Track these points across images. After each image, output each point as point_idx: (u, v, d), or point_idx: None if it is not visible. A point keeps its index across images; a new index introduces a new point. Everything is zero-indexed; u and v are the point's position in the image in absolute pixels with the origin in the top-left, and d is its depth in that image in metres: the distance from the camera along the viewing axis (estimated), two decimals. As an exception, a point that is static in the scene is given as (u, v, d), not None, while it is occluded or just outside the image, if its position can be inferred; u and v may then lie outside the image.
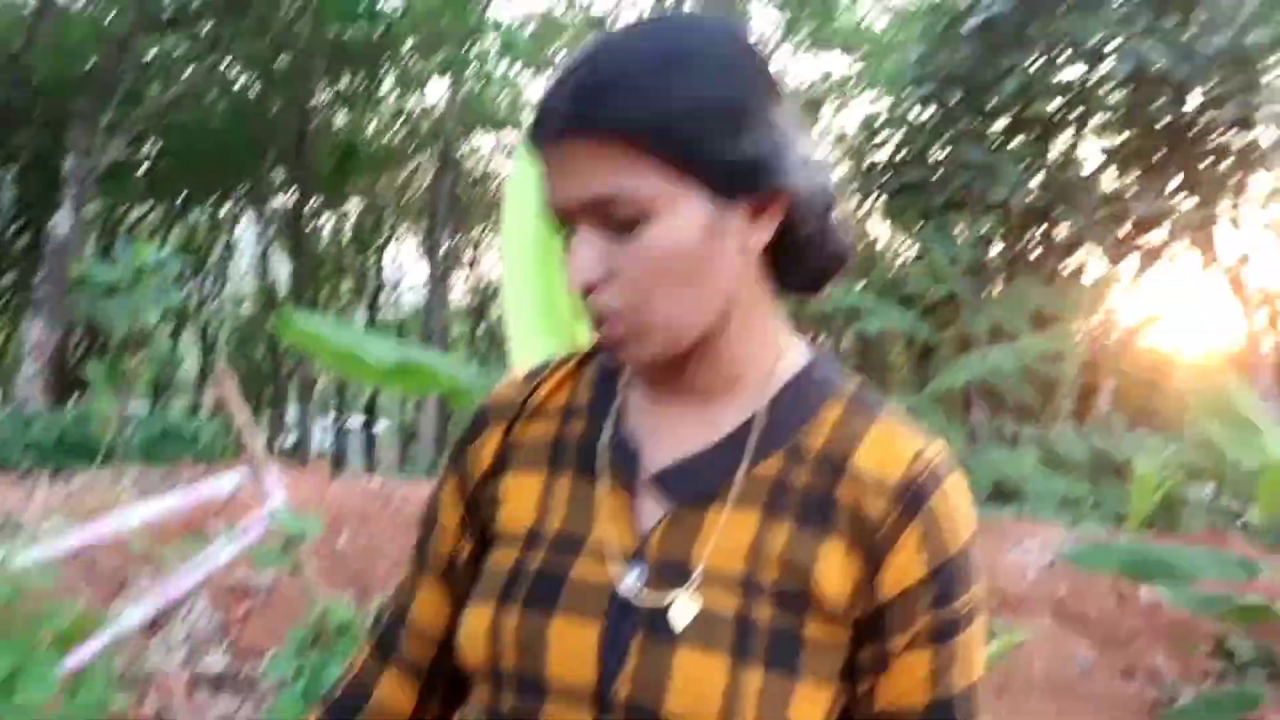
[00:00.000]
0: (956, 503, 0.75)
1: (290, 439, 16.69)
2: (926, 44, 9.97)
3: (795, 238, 0.76)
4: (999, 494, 7.02)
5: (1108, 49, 8.53)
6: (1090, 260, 10.05)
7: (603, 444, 0.80)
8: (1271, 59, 8.99)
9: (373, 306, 23.27)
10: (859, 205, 12.28)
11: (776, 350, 0.79)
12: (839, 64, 17.87)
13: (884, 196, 9.88)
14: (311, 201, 18.43)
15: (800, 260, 0.78)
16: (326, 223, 22.59)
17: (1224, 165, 9.44)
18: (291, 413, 20.47)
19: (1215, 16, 8.54)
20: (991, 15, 8.95)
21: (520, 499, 0.81)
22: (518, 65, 15.30)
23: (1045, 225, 9.34)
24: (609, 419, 0.81)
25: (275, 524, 3.01)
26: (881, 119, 11.60)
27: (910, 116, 10.27)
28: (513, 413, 0.85)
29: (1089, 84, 9.54)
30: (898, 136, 10.26)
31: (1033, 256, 9.51)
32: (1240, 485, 7.18)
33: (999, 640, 4.18)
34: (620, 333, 0.73)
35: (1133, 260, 9.62)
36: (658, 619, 0.72)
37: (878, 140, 10.70)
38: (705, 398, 0.78)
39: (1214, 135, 9.27)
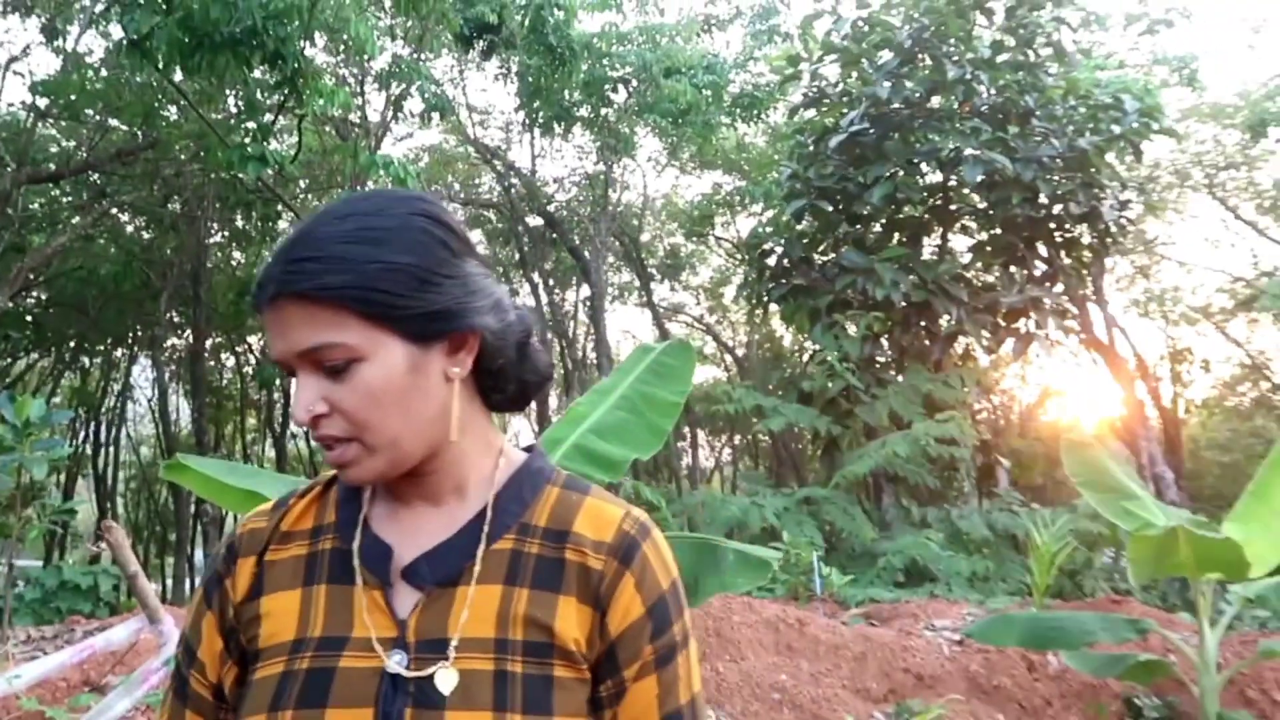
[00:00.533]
0: (661, 552, 0.92)
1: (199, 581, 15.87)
2: (798, 160, 10.65)
3: (492, 366, 0.90)
4: (912, 576, 7.19)
5: (962, 156, 9.28)
6: (974, 346, 10.61)
7: (354, 551, 0.89)
8: (1104, 158, 9.92)
9: (279, 441, 22.66)
10: (755, 309, 12.73)
11: (495, 453, 0.93)
12: (723, 181, 18.76)
13: (774, 300, 10.29)
14: (209, 340, 18.08)
15: (502, 382, 0.93)
16: (227, 360, 22.12)
17: (1079, 254, 10.22)
18: (199, 555, 19.55)
19: (1049, 125, 9.43)
20: (854, 132, 9.67)
21: (280, 616, 0.88)
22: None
23: (926, 319, 9.86)
24: (356, 530, 0.90)
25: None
26: (767, 229, 12.22)
27: (792, 226, 10.85)
28: (263, 542, 0.93)
29: (950, 188, 10.30)
30: (783, 245, 10.79)
31: (919, 347, 9.99)
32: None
33: (918, 717, 4.28)
34: (349, 456, 0.84)
35: (1010, 345, 10.20)
36: (424, 690, 0.81)
37: (766, 248, 11.22)
38: (439, 501, 0.91)
39: (1066, 228, 10.06)
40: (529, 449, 0.97)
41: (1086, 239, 10.04)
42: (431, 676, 0.81)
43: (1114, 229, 9.72)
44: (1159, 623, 4.48)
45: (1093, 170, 9.63)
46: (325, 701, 0.81)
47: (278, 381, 21.60)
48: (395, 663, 0.82)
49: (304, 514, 0.95)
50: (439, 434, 0.87)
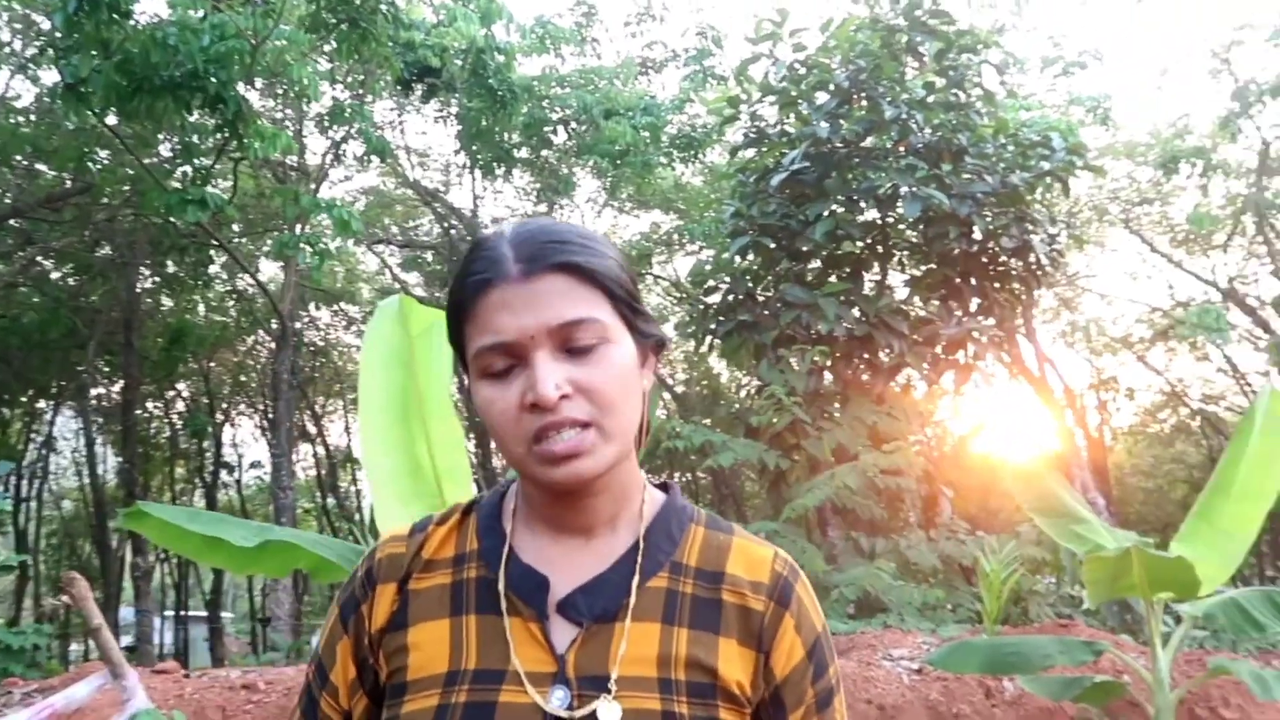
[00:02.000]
0: (811, 594, 0.93)
1: (127, 639, 15.29)
2: (741, 199, 10.86)
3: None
4: (864, 607, 7.27)
5: (899, 194, 9.58)
6: (915, 379, 10.86)
7: (503, 581, 0.87)
8: (1034, 194, 10.34)
9: (210, 490, 21.97)
10: (697, 347, 12.86)
11: (641, 488, 0.93)
12: (661, 220, 18.98)
13: (719, 336, 10.42)
14: (139, 389, 17.53)
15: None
16: (156, 409, 21.46)
17: (1011, 287, 10.58)
18: (126, 613, 18.78)
19: (982, 163, 9.80)
20: (794, 170, 9.91)
21: (429, 647, 0.86)
22: (350, 241, 15.45)
23: (868, 352, 10.07)
24: (502, 559, 0.89)
25: (141, 728, 2.83)
26: (709, 267, 12.39)
27: (736, 262, 11.02)
28: (404, 569, 0.91)
29: (888, 224, 10.60)
30: (727, 282, 10.95)
31: (862, 380, 10.18)
32: (1075, 572, 7.73)
33: (884, 749, 4.31)
34: (586, 444, 0.81)
35: (949, 377, 10.47)
36: None
37: (709, 284, 11.37)
38: (590, 534, 0.89)
39: (999, 261, 10.42)
40: (663, 486, 0.97)
41: (1018, 272, 10.41)
42: (594, 713, 0.81)
43: (1045, 262, 10.09)
44: (1110, 644, 4.60)
45: (1024, 206, 10.02)
46: None
47: (209, 429, 21.03)
48: (558, 699, 0.81)
49: (445, 541, 0.94)
50: (633, 441, 0.88)
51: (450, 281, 0.91)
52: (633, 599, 0.86)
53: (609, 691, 0.81)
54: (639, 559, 0.88)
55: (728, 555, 0.91)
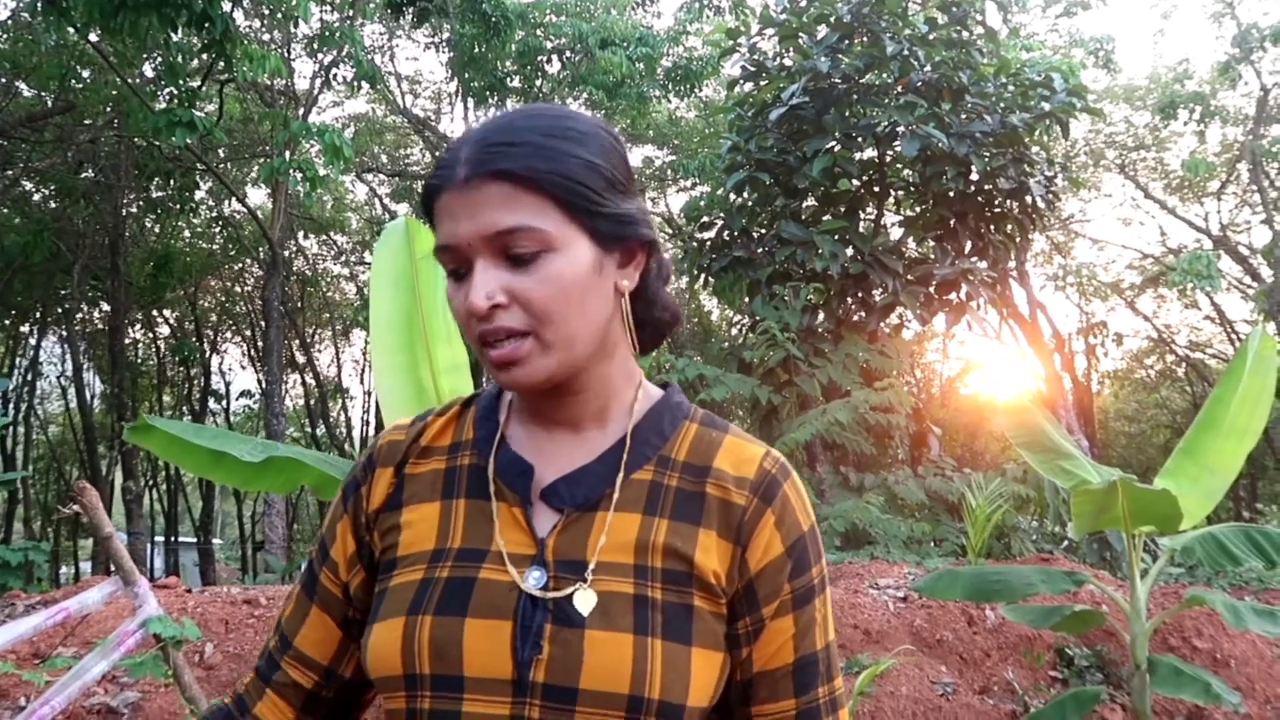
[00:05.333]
0: (801, 494, 0.93)
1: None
2: (739, 133, 10.73)
3: (646, 293, 0.93)
4: (852, 539, 7.42)
5: (897, 132, 9.50)
6: (908, 318, 10.91)
7: (492, 468, 0.90)
8: (1033, 135, 10.28)
9: (198, 418, 21.99)
10: (690, 283, 12.83)
11: (635, 384, 0.94)
12: (655, 155, 18.79)
13: (713, 273, 10.40)
14: (126, 314, 17.42)
15: (649, 312, 0.95)
16: (144, 335, 21.36)
17: (1006, 229, 10.58)
18: (118, 537, 18.91)
19: (982, 102, 9.71)
20: (793, 106, 9.79)
21: (420, 526, 0.89)
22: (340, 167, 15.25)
23: (862, 290, 10.09)
24: (493, 447, 0.92)
25: (149, 633, 2.88)
26: (703, 203, 12.31)
27: (731, 198, 10.94)
28: (401, 454, 0.95)
29: (885, 162, 10.53)
30: (723, 218, 10.89)
31: (855, 318, 10.22)
32: (1058, 510, 7.89)
33: (868, 670, 4.44)
34: (522, 352, 0.82)
35: (941, 317, 10.52)
36: (563, 609, 0.82)
37: (705, 220, 11.31)
38: (579, 426, 0.91)
39: (996, 203, 10.39)
40: (664, 385, 0.98)
41: (1013, 214, 10.39)
42: (570, 596, 0.83)
43: (1041, 205, 10.07)
44: (1090, 576, 4.72)
45: (1022, 147, 9.97)
46: (465, 610, 0.83)
47: (197, 357, 20.98)
48: (534, 579, 0.84)
49: (443, 430, 0.97)
50: (601, 346, 0.88)
51: None
52: (617, 490, 0.88)
53: (585, 580, 0.83)
54: (625, 452, 0.90)
55: (717, 451, 0.91)
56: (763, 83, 10.68)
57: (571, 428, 0.92)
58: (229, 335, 23.11)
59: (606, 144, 0.87)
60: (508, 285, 0.82)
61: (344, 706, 0.99)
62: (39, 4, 8.73)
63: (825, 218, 10.20)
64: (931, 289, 10.03)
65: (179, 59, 10.70)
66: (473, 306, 0.81)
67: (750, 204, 10.86)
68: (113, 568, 2.98)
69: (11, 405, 19.65)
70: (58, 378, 23.11)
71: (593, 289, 0.84)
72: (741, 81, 11.17)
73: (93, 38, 10.17)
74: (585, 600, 0.82)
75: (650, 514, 0.87)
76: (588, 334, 0.85)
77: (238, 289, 21.55)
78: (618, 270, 0.88)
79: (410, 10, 13.70)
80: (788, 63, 10.58)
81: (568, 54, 14.70)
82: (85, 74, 12.68)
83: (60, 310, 18.47)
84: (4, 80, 13.03)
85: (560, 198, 0.82)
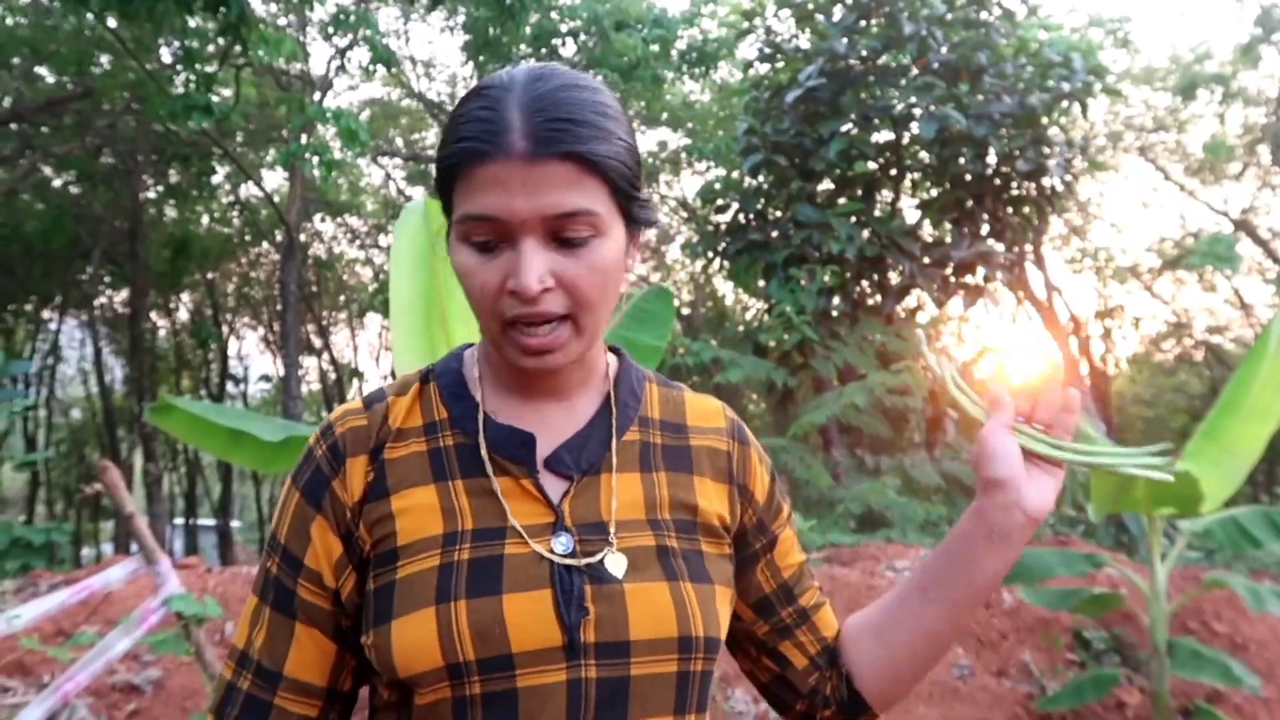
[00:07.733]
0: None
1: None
2: (753, 116, 10.67)
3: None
4: (867, 522, 7.42)
5: (914, 114, 9.42)
6: (924, 300, 10.85)
7: (485, 445, 0.88)
8: (1052, 116, 10.17)
9: (217, 402, 22.13)
10: (706, 267, 12.79)
11: (604, 352, 0.97)
12: (669, 138, 18.69)
13: (728, 256, 10.37)
14: (145, 299, 17.55)
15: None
16: (162, 319, 21.50)
17: (1024, 211, 10.49)
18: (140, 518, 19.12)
19: (1001, 82, 9.61)
20: (809, 88, 9.72)
21: (418, 512, 0.85)
22: (357, 150, 15.27)
23: (879, 273, 10.04)
24: (480, 425, 0.89)
25: (171, 611, 2.92)
26: (718, 186, 12.25)
27: (746, 181, 10.89)
28: (373, 439, 0.89)
29: (902, 144, 10.45)
30: (739, 200, 10.85)
31: (871, 301, 10.18)
32: (1074, 492, 7.85)
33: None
34: (561, 339, 0.82)
35: (958, 300, 10.46)
36: (597, 571, 0.84)
37: (721, 203, 11.26)
38: (564, 395, 0.92)
39: (1012, 185, 10.30)
40: (613, 349, 1.00)
41: (1031, 196, 10.30)
42: (601, 560, 0.85)
43: (1060, 187, 9.98)
44: (1109, 559, 4.71)
45: (1040, 129, 9.87)
46: (500, 588, 0.82)
47: (215, 341, 21.12)
48: (561, 545, 0.84)
49: (410, 411, 0.92)
50: (606, 325, 0.90)
51: (449, 120, 0.83)
52: (614, 452, 0.91)
53: (610, 543, 0.86)
54: (613, 416, 0.93)
55: (684, 409, 0.99)
56: (779, 64, 10.61)
57: (557, 397, 0.93)
58: (247, 319, 23.22)
59: (630, 124, 0.87)
60: (556, 268, 0.80)
61: None
62: (57, -11, 8.77)
63: (841, 200, 10.15)
64: (948, 272, 9.98)
65: (195, 44, 10.73)
66: (524, 288, 0.78)
67: (766, 187, 10.81)
68: (134, 546, 3.02)
69: (33, 389, 19.86)
70: (78, 362, 23.30)
71: (621, 274, 0.86)
72: (757, 63, 11.10)
73: (110, 23, 10.18)
74: (617, 563, 0.85)
75: (647, 471, 0.92)
76: (608, 317, 0.87)
77: (255, 273, 21.64)
78: (633, 253, 0.90)
79: (425, -7, 13.66)
80: (804, 44, 10.51)
81: (583, 36, 14.62)
82: (104, 59, 12.72)
83: (80, 295, 18.61)
84: (24, 65, 13.09)
85: (614, 183, 0.82)
